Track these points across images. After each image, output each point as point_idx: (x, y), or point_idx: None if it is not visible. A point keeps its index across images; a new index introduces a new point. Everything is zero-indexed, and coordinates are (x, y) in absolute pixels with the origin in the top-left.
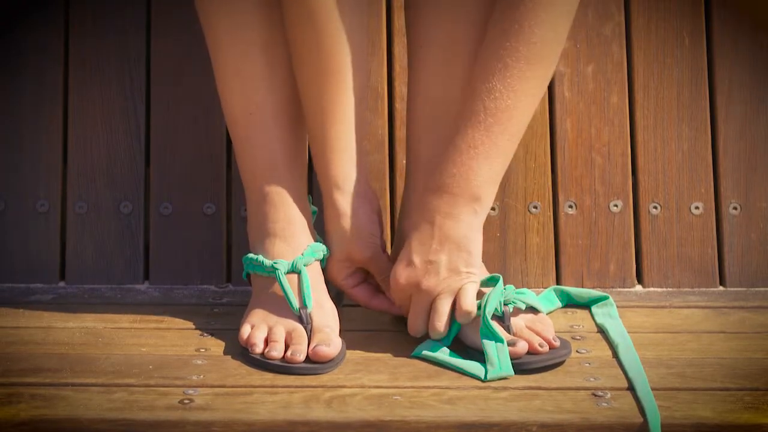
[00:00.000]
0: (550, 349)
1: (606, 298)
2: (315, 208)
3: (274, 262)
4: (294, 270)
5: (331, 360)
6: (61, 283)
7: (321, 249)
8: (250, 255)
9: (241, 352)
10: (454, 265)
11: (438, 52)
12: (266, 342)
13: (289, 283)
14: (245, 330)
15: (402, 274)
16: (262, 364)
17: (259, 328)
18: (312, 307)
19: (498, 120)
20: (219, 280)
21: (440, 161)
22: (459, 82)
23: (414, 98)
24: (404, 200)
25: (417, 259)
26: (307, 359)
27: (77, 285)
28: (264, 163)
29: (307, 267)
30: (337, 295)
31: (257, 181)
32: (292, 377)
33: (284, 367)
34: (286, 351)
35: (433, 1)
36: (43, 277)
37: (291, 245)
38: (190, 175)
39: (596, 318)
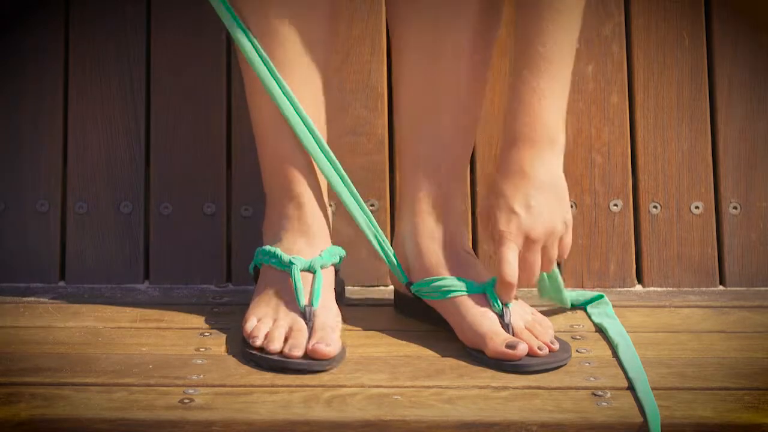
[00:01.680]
0: (549, 351)
1: (601, 297)
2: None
3: (293, 257)
4: (310, 269)
5: (329, 359)
6: (61, 283)
7: (338, 253)
8: (268, 247)
9: (241, 347)
10: (553, 208)
11: (421, 54)
12: (267, 336)
13: (304, 281)
14: (251, 322)
15: (508, 223)
16: (260, 358)
17: (264, 322)
18: (318, 306)
19: (557, 65)
20: (219, 280)
21: (511, 113)
22: (443, 80)
23: (400, 99)
24: (399, 201)
25: (518, 207)
26: (306, 356)
27: (77, 285)
28: (288, 167)
29: (322, 269)
30: (337, 296)
31: (283, 179)
32: (292, 376)
33: (281, 362)
34: (285, 346)
35: (413, 5)
36: (43, 277)
37: (310, 245)
38: (190, 175)
39: (593, 318)
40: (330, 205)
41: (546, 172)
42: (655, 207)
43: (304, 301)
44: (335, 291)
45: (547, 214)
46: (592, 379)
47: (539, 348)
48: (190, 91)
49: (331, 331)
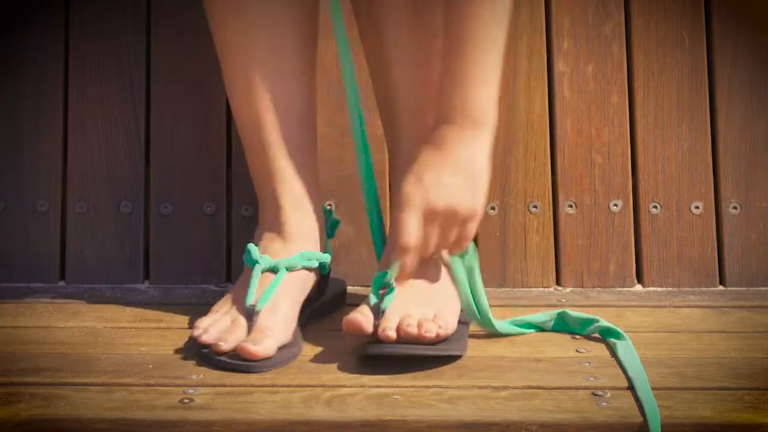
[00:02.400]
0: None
1: (619, 335)
2: (338, 218)
3: (260, 257)
4: (274, 269)
5: (256, 361)
6: (61, 283)
7: (316, 257)
8: (248, 246)
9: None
10: (462, 191)
11: (412, 50)
12: (206, 329)
13: (263, 281)
14: (205, 316)
15: (414, 191)
16: (196, 350)
17: (213, 316)
18: (264, 307)
19: (477, 46)
20: (219, 279)
21: (440, 96)
22: (435, 74)
23: (394, 97)
24: (392, 197)
25: (428, 177)
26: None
27: (77, 285)
28: (273, 168)
29: (291, 271)
30: (337, 296)
31: (267, 185)
32: (292, 376)
33: (208, 355)
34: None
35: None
36: (43, 277)
37: (287, 248)
38: (190, 175)
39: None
40: (330, 205)
41: (466, 153)
42: (655, 207)
43: (251, 300)
44: (333, 293)
45: (455, 195)
46: (592, 379)
47: (385, 330)
48: (189, 91)
49: (270, 333)
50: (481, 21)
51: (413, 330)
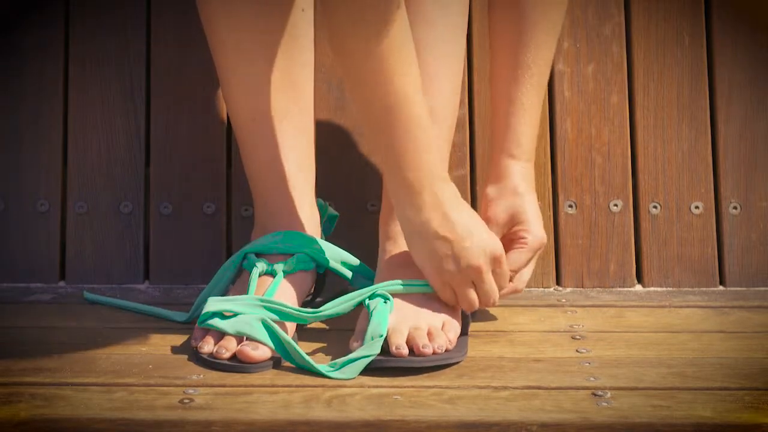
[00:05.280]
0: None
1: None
2: (336, 213)
3: (257, 260)
4: (271, 273)
5: (256, 363)
6: (61, 283)
7: (310, 258)
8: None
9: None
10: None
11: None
12: (204, 338)
13: (261, 285)
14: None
15: (540, 234)
16: (197, 356)
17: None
18: None
19: (542, 79)
20: None
21: (508, 128)
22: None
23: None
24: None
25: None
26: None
27: (77, 285)
28: (269, 169)
29: (289, 275)
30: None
31: (262, 186)
32: (293, 376)
33: (211, 362)
34: (215, 347)
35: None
36: (43, 277)
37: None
38: (190, 175)
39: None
40: (330, 205)
41: (533, 190)
42: (655, 207)
43: None
44: (332, 293)
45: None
46: (592, 379)
47: (399, 348)
48: (189, 91)
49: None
50: (548, 50)
51: (428, 350)
